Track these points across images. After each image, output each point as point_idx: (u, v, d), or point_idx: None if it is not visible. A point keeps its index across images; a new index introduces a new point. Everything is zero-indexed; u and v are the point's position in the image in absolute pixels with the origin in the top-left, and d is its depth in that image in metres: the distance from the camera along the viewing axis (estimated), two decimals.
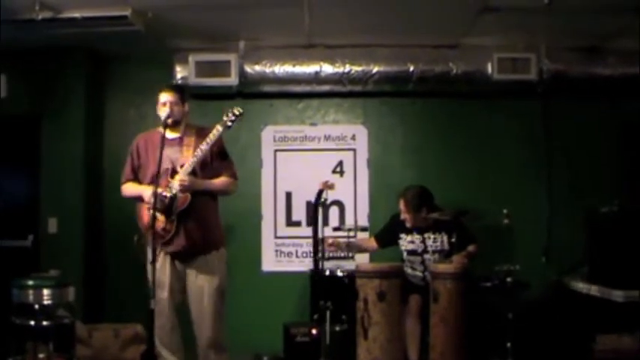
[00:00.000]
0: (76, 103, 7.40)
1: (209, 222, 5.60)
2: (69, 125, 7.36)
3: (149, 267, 5.33)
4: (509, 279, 6.29)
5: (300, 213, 7.77)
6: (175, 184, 5.31)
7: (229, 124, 5.44)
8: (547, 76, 7.23)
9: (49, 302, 5.79)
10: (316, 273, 6.70)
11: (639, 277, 5.91)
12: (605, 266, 6.26)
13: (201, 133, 5.53)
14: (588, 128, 7.68)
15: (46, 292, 5.77)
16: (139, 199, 5.50)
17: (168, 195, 5.29)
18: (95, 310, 7.32)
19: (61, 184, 7.27)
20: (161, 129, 5.56)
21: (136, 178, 5.62)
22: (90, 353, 6.53)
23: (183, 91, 5.80)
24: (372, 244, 7.10)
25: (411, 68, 7.27)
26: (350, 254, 7.49)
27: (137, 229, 5.59)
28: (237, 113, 5.47)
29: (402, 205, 6.70)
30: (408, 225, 6.71)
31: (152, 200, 5.19)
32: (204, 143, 5.37)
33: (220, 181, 5.65)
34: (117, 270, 7.40)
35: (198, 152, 5.36)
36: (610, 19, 6.57)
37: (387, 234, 6.98)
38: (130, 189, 5.63)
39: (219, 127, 5.41)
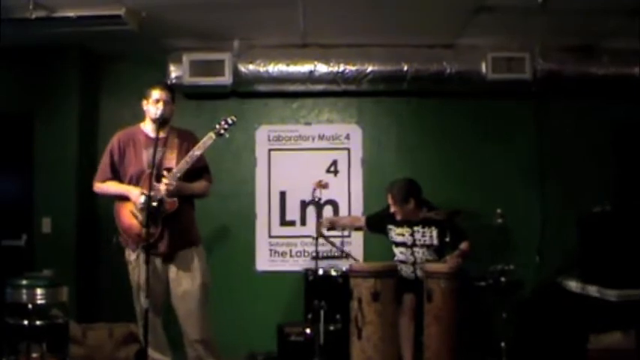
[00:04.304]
0: (70, 102, 7.39)
1: (188, 223, 5.65)
2: (63, 124, 7.35)
3: (131, 268, 5.48)
4: (503, 279, 6.31)
5: (294, 212, 7.76)
6: (162, 187, 5.30)
7: (222, 132, 5.47)
8: (541, 75, 7.23)
9: (43, 302, 5.77)
10: (311, 272, 6.74)
11: (632, 277, 5.93)
12: (598, 266, 6.27)
13: (184, 136, 5.59)
14: (582, 128, 7.69)
15: (39, 291, 5.76)
16: (123, 198, 5.49)
17: (157, 198, 5.28)
18: (89, 309, 7.30)
19: (54, 184, 7.25)
20: (142, 125, 5.59)
21: (116, 177, 5.58)
22: (84, 353, 6.51)
23: (174, 92, 5.80)
24: (362, 221, 7.16)
25: (406, 68, 7.27)
26: (345, 231, 7.53)
27: (115, 230, 5.61)
28: (230, 122, 5.52)
29: (389, 199, 6.71)
30: (397, 218, 6.71)
31: (140, 201, 5.21)
32: (196, 150, 5.40)
33: (201, 185, 5.70)
34: (111, 269, 7.38)
35: (189, 158, 5.37)
36: (603, 19, 6.59)
37: (376, 219, 7.00)
38: (111, 188, 5.57)
39: (212, 135, 5.45)
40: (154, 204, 5.26)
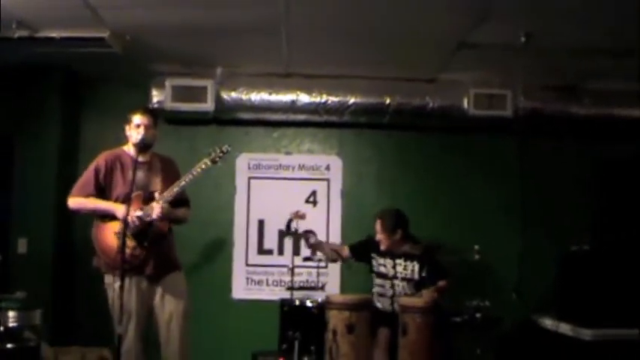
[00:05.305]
0: (51, 124, 7.36)
1: (170, 248, 5.65)
2: (43, 146, 7.31)
3: (110, 292, 5.38)
4: (478, 314, 6.29)
5: (272, 241, 7.75)
6: (157, 209, 5.29)
7: (217, 159, 5.49)
8: (523, 113, 7.27)
9: (15, 324, 5.71)
10: (286, 303, 6.70)
11: (607, 316, 5.94)
12: (574, 304, 6.29)
13: (166, 162, 5.63)
14: (562, 167, 7.73)
15: (11, 314, 5.69)
16: (104, 217, 5.44)
17: (146, 219, 5.27)
18: (64, 332, 7.22)
19: (33, 205, 7.20)
20: (126, 148, 5.59)
21: (99, 196, 5.50)
22: None
23: (157, 116, 5.80)
24: (345, 252, 7.06)
25: (388, 101, 7.30)
26: (323, 261, 7.43)
27: (94, 251, 5.55)
28: (225, 150, 5.57)
29: (378, 226, 6.69)
30: (382, 247, 6.69)
31: (127, 221, 5.18)
32: (188, 175, 5.41)
33: (184, 212, 5.73)
34: (87, 292, 7.32)
35: (183, 183, 5.38)
36: (586, 60, 6.64)
37: (360, 247, 6.96)
38: (95, 203, 5.47)
39: (207, 162, 5.48)
40: (139, 225, 5.28)
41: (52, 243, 7.26)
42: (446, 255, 6.83)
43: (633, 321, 5.62)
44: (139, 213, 5.30)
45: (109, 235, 5.40)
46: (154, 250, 5.41)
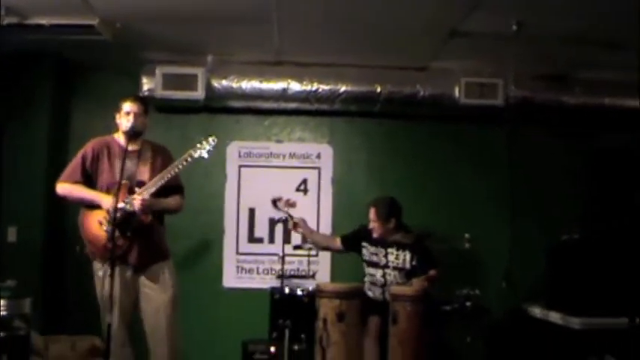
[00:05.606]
0: (40, 112, 7.32)
1: (157, 237, 5.61)
2: (33, 134, 7.27)
3: (97, 280, 5.39)
4: (468, 303, 6.32)
5: (262, 230, 7.74)
6: (137, 202, 5.25)
7: (204, 152, 5.47)
8: (513, 102, 7.26)
9: (4, 313, 5.69)
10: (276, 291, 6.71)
11: (595, 305, 5.96)
12: (563, 293, 6.31)
13: (158, 151, 5.56)
14: (552, 156, 7.75)
15: (1, 303, 5.67)
16: (90, 206, 5.43)
17: (129, 210, 5.25)
18: (54, 321, 7.21)
19: (22, 193, 7.16)
20: (116, 136, 5.57)
21: (86, 183, 5.50)
22: None
23: (147, 104, 5.78)
24: (337, 243, 7.04)
25: (379, 89, 7.29)
26: (314, 251, 7.44)
27: (79, 240, 5.55)
28: (212, 142, 5.50)
29: (371, 214, 6.68)
30: (374, 235, 6.69)
31: (111, 211, 5.17)
32: (174, 167, 5.38)
33: (174, 201, 5.67)
34: (77, 281, 7.30)
35: (165, 175, 5.35)
36: (577, 50, 6.65)
37: (352, 238, 6.94)
38: (81, 191, 5.48)
39: (193, 154, 5.44)
40: (124, 215, 5.23)
41: (42, 232, 7.23)
42: (436, 243, 6.84)
43: (622, 310, 5.63)
44: (121, 204, 5.25)
45: (94, 223, 5.39)
46: (138, 240, 5.39)
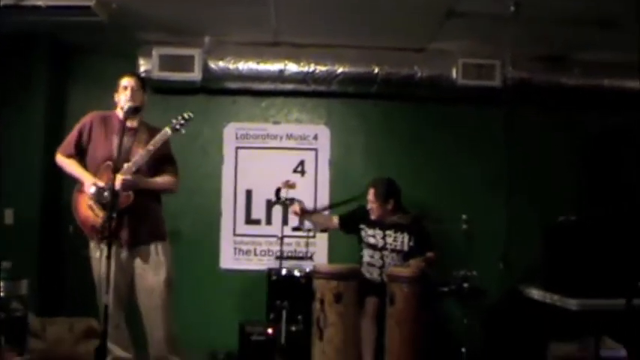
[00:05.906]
0: (37, 94, 7.30)
1: (152, 217, 5.56)
2: (29, 116, 7.26)
3: (93, 261, 5.38)
4: (465, 284, 6.32)
5: (259, 211, 7.74)
6: (117, 182, 5.18)
7: (177, 127, 5.43)
8: (511, 83, 7.24)
9: (2, 295, 5.72)
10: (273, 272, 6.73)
11: (593, 286, 5.97)
12: (561, 275, 6.31)
13: (153, 133, 5.48)
14: (550, 137, 7.75)
15: None
16: (77, 182, 5.42)
17: (111, 190, 5.17)
18: (52, 303, 7.22)
19: (18, 175, 7.15)
20: (118, 112, 5.52)
21: (80, 155, 5.49)
22: (43, 347, 6.43)
23: (145, 81, 5.75)
24: (335, 222, 7.05)
25: (376, 70, 7.28)
26: (311, 232, 7.43)
27: (72, 220, 5.52)
28: (187, 117, 5.48)
29: (370, 195, 6.70)
30: (372, 217, 6.70)
31: (91, 191, 5.19)
32: (150, 145, 5.33)
33: (163, 180, 5.60)
34: (74, 263, 7.30)
35: (144, 153, 5.31)
36: (575, 31, 6.63)
37: (350, 218, 6.96)
38: (70, 167, 5.47)
39: (167, 131, 5.39)
40: (107, 195, 5.19)
41: (39, 214, 7.23)
42: (433, 224, 6.84)
43: (619, 291, 5.63)
44: (101, 184, 5.25)
45: (84, 204, 5.38)
46: (128, 219, 5.35)
